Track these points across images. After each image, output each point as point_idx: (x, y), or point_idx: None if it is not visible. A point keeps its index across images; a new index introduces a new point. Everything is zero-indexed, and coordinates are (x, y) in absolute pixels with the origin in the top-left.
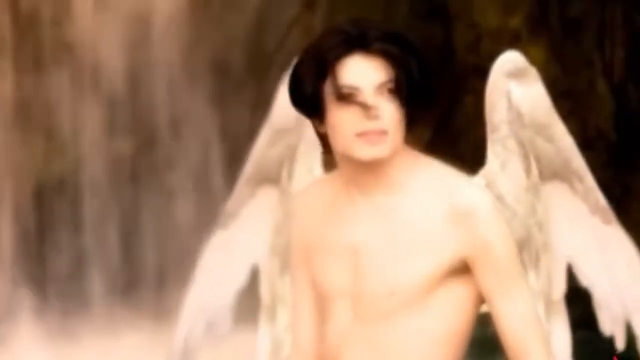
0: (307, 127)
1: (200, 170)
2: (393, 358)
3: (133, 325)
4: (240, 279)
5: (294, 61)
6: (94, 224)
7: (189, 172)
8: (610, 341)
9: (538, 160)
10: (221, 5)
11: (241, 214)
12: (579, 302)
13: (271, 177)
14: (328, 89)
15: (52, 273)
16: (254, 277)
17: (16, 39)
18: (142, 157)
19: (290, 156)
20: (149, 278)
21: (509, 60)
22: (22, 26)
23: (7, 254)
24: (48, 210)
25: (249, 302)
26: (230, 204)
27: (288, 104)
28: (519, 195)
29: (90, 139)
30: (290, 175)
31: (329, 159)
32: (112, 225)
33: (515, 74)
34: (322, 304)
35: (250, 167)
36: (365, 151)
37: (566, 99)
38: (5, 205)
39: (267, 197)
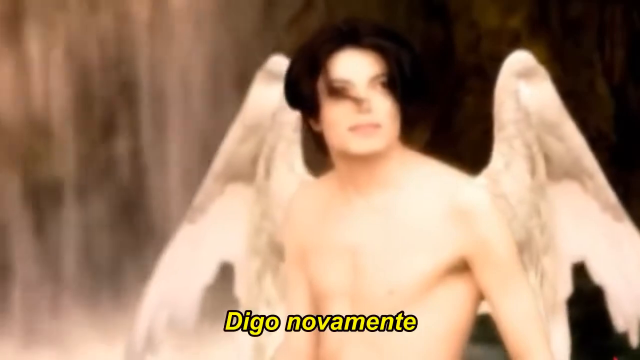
0: (284, 125)
1: (197, 169)
2: (392, 357)
3: None
4: (207, 275)
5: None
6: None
7: (186, 171)
8: (609, 342)
9: (549, 159)
10: (223, 5)
11: (209, 210)
12: (578, 304)
13: (242, 174)
14: (321, 86)
15: None
16: (228, 278)
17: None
18: (134, 154)
19: (267, 154)
20: None
21: (519, 60)
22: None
23: None
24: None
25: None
26: (198, 199)
27: (260, 100)
28: (522, 195)
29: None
30: (267, 174)
31: (311, 157)
32: None
33: (525, 74)
34: (318, 305)
35: (219, 163)
36: (359, 144)
37: (566, 99)
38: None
39: (237, 194)
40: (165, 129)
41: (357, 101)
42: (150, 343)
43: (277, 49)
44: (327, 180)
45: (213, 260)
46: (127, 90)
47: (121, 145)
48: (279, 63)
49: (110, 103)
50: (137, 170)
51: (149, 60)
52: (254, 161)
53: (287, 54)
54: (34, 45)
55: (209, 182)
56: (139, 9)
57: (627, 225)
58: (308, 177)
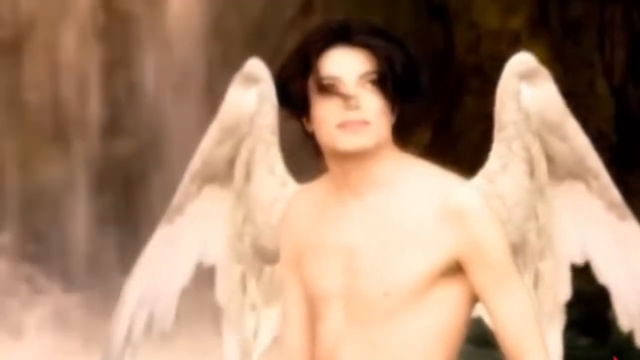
0: (263, 128)
1: None
2: (387, 358)
3: None
4: (184, 275)
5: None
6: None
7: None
8: (609, 342)
9: (552, 159)
10: (223, 7)
11: (186, 211)
12: (578, 305)
13: (219, 176)
14: (312, 85)
15: None
16: (208, 280)
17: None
18: (139, 157)
19: (246, 158)
20: None
21: (521, 62)
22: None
23: None
24: None
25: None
26: (176, 199)
27: (238, 103)
28: (519, 197)
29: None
30: (248, 178)
31: (293, 160)
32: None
33: (527, 76)
34: (313, 307)
35: (196, 164)
36: (347, 141)
37: (567, 99)
38: None
39: (214, 196)
40: (165, 130)
41: (345, 97)
42: (129, 343)
43: (277, 49)
44: (322, 183)
45: (189, 262)
46: (129, 90)
47: (122, 146)
48: (256, 66)
49: (111, 103)
50: (139, 171)
51: (150, 61)
52: (230, 163)
53: (284, 57)
54: None
55: (186, 182)
56: (140, 10)
57: (632, 224)
58: (289, 179)
